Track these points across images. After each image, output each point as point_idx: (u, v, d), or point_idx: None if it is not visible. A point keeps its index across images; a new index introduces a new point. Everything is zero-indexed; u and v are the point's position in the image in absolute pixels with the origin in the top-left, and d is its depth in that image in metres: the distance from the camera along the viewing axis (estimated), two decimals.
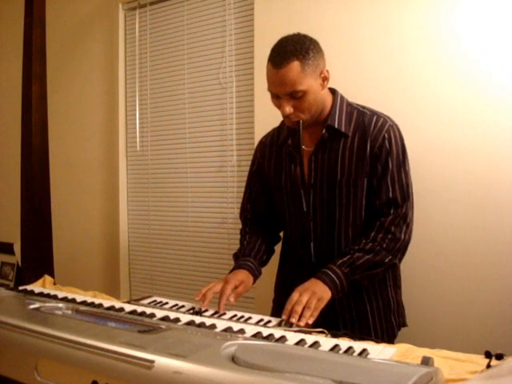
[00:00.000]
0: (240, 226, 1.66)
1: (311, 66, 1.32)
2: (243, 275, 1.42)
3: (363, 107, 1.46)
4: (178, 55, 2.45)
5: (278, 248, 1.66)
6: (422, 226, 1.68)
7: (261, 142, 1.64)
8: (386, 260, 1.36)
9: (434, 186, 1.74)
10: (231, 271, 1.47)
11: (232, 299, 1.34)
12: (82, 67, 2.79)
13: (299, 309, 1.22)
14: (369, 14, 1.86)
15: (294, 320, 1.19)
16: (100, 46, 2.71)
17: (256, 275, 1.48)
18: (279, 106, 1.37)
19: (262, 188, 1.61)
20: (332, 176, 1.42)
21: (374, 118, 1.42)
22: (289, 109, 1.35)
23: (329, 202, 1.43)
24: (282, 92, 1.34)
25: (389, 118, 1.43)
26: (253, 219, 1.63)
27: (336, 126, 1.41)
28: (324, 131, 1.42)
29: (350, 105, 1.46)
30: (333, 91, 1.47)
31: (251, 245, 1.54)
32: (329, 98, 1.44)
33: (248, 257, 1.51)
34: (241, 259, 1.50)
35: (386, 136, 1.39)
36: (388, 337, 1.45)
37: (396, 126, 1.43)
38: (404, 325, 1.56)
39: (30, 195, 1.82)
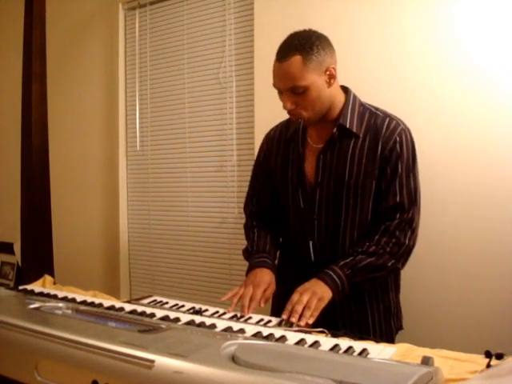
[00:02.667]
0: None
1: (314, 62, 1.30)
2: (268, 276, 1.42)
3: (376, 108, 1.44)
4: (178, 55, 2.45)
5: None
6: (422, 226, 1.67)
7: (268, 136, 1.61)
8: (389, 264, 1.36)
9: (432, 187, 1.73)
10: (251, 269, 1.45)
11: (262, 304, 1.33)
12: (82, 67, 2.79)
13: (299, 308, 1.21)
14: (369, 13, 1.86)
15: (294, 319, 1.19)
16: (100, 45, 2.71)
17: (275, 271, 1.47)
18: (282, 102, 1.36)
19: (268, 181, 1.59)
20: (340, 176, 1.40)
21: (387, 120, 1.40)
22: (290, 104, 1.34)
23: (335, 202, 1.42)
24: (284, 87, 1.33)
25: (401, 121, 1.42)
26: (258, 212, 1.61)
27: (347, 125, 1.39)
28: (335, 130, 1.40)
29: (362, 105, 1.44)
30: (346, 90, 1.45)
31: (262, 240, 1.53)
32: (341, 97, 1.43)
33: (263, 253, 1.49)
34: (257, 256, 1.48)
35: (398, 139, 1.37)
36: (387, 340, 1.44)
37: (408, 129, 1.41)
38: (400, 327, 1.55)
39: (29, 195, 1.82)
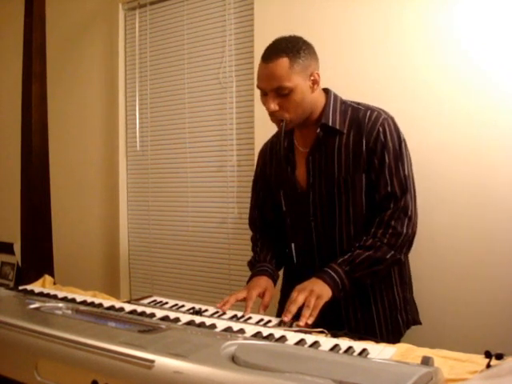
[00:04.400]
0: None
1: (300, 65, 1.33)
2: (265, 281, 1.43)
3: (358, 103, 1.45)
4: (178, 55, 2.45)
5: None
6: (421, 226, 1.67)
7: (261, 150, 1.65)
8: (388, 256, 1.34)
9: (432, 186, 1.73)
10: (250, 279, 1.47)
11: (262, 311, 1.34)
12: (82, 67, 2.79)
13: (293, 308, 1.22)
14: (368, 13, 1.86)
15: (286, 319, 1.19)
16: (100, 45, 2.71)
17: (275, 279, 1.49)
18: (265, 103, 1.38)
19: (267, 193, 1.61)
20: (330, 174, 1.41)
21: (368, 112, 1.41)
22: (274, 106, 1.34)
23: (329, 201, 1.43)
24: (269, 87, 1.34)
25: (383, 110, 1.42)
26: (262, 225, 1.63)
27: (330, 123, 1.40)
28: (319, 130, 1.41)
29: (344, 102, 1.46)
30: (326, 91, 1.46)
31: (264, 251, 1.55)
32: (322, 99, 1.44)
33: (264, 262, 1.51)
34: (258, 266, 1.51)
35: (381, 129, 1.37)
36: (394, 336, 1.43)
37: (391, 118, 1.41)
38: (415, 323, 1.53)
39: (30, 195, 1.82)
